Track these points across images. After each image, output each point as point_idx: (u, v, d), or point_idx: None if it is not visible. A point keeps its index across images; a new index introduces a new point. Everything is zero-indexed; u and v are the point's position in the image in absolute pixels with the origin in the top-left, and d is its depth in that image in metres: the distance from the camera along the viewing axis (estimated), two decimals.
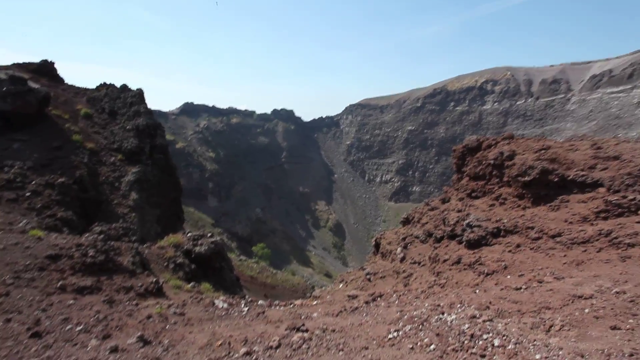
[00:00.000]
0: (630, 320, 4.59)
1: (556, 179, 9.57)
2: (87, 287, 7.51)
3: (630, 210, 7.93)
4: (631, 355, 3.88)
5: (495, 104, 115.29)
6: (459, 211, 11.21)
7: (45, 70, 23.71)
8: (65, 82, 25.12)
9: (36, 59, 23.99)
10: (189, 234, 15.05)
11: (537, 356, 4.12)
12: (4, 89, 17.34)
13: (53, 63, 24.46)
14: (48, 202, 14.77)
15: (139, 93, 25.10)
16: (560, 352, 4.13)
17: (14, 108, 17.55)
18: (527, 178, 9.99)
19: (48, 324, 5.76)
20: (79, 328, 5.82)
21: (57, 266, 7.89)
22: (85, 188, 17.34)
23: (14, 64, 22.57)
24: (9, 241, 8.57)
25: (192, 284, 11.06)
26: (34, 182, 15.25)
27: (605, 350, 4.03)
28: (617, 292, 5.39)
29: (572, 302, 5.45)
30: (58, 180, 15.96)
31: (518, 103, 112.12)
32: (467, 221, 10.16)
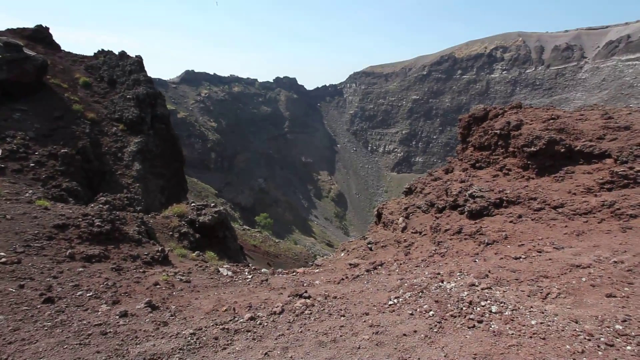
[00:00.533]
0: (626, 289, 4.67)
1: (563, 150, 9.42)
2: (95, 256, 7.72)
3: (636, 182, 7.85)
4: (624, 321, 3.98)
5: (504, 72, 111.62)
6: (462, 182, 11.17)
7: (41, 36, 22.98)
8: (62, 49, 24.43)
9: (28, 23, 23.06)
10: (193, 204, 15.24)
11: (533, 322, 4.24)
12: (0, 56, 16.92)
13: (48, 28, 23.64)
14: (52, 172, 14.88)
15: (138, 61, 24.45)
16: (556, 318, 4.25)
17: (12, 77, 17.21)
18: (533, 148, 9.84)
19: (60, 290, 5.98)
20: (89, 294, 6.04)
21: (65, 235, 8.07)
22: (89, 158, 17.38)
23: (7, 30, 21.86)
24: (16, 211, 8.72)
25: (196, 252, 11.33)
26: (37, 153, 15.28)
27: (599, 317, 4.13)
28: (615, 262, 5.45)
29: (570, 271, 5.53)
30: (61, 150, 15.98)
31: (527, 71, 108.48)
32: (469, 192, 10.14)
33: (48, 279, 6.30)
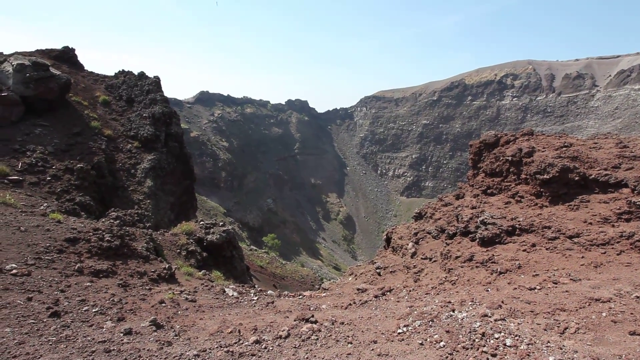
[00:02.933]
0: None
1: (577, 178, 9.26)
2: (103, 271, 7.73)
3: None
4: None
5: (515, 99, 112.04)
6: (473, 208, 11.00)
7: (67, 57, 24.19)
8: (85, 68, 25.60)
9: (58, 45, 24.27)
10: (202, 222, 15.30)
11: (551, 358, 4.03)
12: (27, 74, 17.79)
13: (74, 50, 24.91)
14: (67, 186, 15.21)
15: (156, 81, 25.39)
16: (575, 355, 4.03)
17: (36, 94, 18.01)
18: (546, 176, 9.70)
19: (66, 304, 5.96)
20: (95, 310, 6.00)
21: (75, 249, 8.14)
22: (103, 174, 17.77)
23: (36, 50, 23.09)
24: (30, 223, 8.87)
25: (203, 271, 11.26)
26: (54, 167, 15.71)
27: (623, 356, 3.91)
28: (637, 297, 5.21)
29: (589, 304, 5.30)
30: (77, 165, 16.40)
31: (538, 98, 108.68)
32: (481, 218, 9.96)
33: (56, 293, 6.30)
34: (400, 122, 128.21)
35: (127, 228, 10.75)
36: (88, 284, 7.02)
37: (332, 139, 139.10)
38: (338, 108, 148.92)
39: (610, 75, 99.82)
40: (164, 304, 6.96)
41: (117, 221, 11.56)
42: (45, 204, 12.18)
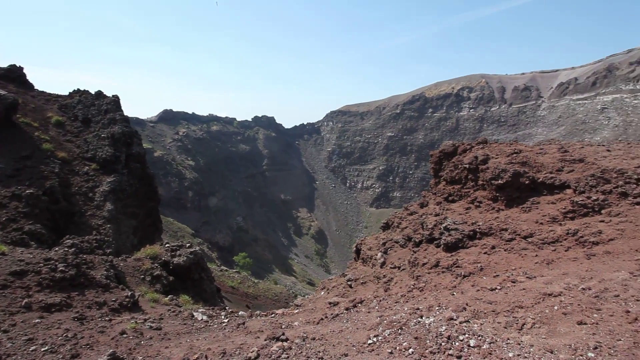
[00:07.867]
0: (595, 315, 4.80)
1: (527, 182, 9.95)
2: (56, 304, 7.17)
3: (594, 210, 8.34)
4: (595, 348, 4.06)
5: (471, 110, 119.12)
6: (437, 215, 11.45)
7: (14, 75, 22.73)
8: (36, 88, 24.14)
9: (3, 63, 22.86)
10: (167, 245, 14.67)
11: (510, 354, 4.24)
12: None
13: (22, 68, 23.48)
14: (14, 214, 14.07)
15: (115, 100, 24.42)
16: (532, 349, 4.27)
17: None
18: (500, 181, 10.34)
19: (9, 346, 5.45)
20: (44, 349, 5.54)
21: (23, 283, 7.50)
22: (56, 199, 16.62)
23: None
24: None
25: (170, 296, 10.74)
26: None
27: (572, 345, 4.20)
28: (583, 289, 5.63)
29: (543, 300, 5.64)
30: (26, 191, 15.25)
31: (493, 109, 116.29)
32: (444, 225, 10.38)
33: None
34: (366, 135, 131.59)
35: (84, 256, 10.07)
36: (37, 320, 6.46)
37: (300, 154, 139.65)
38: (305, 123, 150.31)
39: (552, 87, 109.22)
40: (125, 335, 6.54)
41: (73, 249, 10.80)
42: None
